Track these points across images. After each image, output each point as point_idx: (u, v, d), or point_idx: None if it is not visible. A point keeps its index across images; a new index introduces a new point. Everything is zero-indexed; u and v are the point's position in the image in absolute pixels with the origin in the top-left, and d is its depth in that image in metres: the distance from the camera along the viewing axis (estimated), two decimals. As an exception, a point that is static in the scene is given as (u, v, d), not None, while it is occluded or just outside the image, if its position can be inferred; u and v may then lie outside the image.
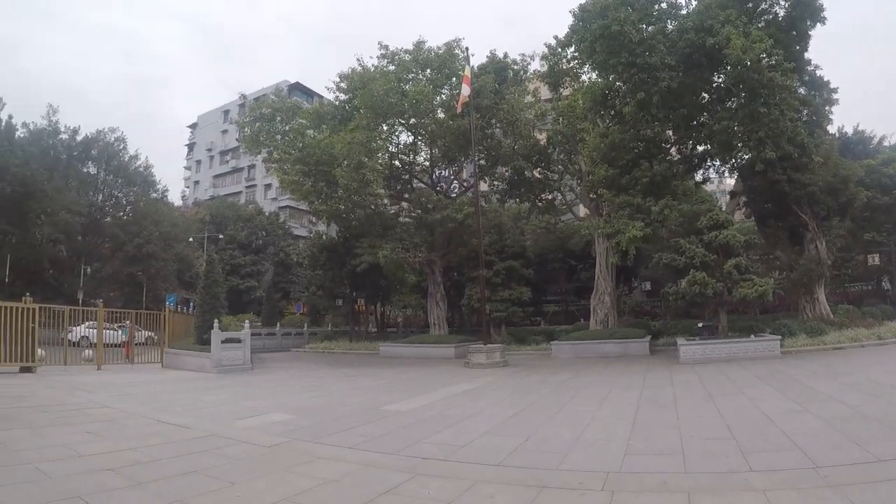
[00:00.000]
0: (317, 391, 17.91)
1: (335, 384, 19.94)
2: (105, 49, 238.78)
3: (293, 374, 24.67)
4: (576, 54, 28.74)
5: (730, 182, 51.44)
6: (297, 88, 76.09)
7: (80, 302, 42.43)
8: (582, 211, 39.20)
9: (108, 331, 27.32)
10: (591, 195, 31.62)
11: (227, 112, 74.48)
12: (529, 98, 36.34)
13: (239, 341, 26.11)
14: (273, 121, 36.35)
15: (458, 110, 28.68)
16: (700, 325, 25.95)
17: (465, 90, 27.26)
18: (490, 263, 34.65)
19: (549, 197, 38.77)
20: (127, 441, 9.52)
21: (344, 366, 28.12)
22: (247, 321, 31.38)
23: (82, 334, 29.01)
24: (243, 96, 36.30)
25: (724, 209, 33.58)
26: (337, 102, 37.24)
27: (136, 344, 28.94)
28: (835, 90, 27.47)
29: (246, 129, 37.02)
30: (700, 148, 31.18)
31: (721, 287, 23.34)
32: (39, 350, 22.38)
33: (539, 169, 36.52)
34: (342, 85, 36.09)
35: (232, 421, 11.96)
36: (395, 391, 17.19)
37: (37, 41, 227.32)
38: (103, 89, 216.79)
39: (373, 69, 34.74)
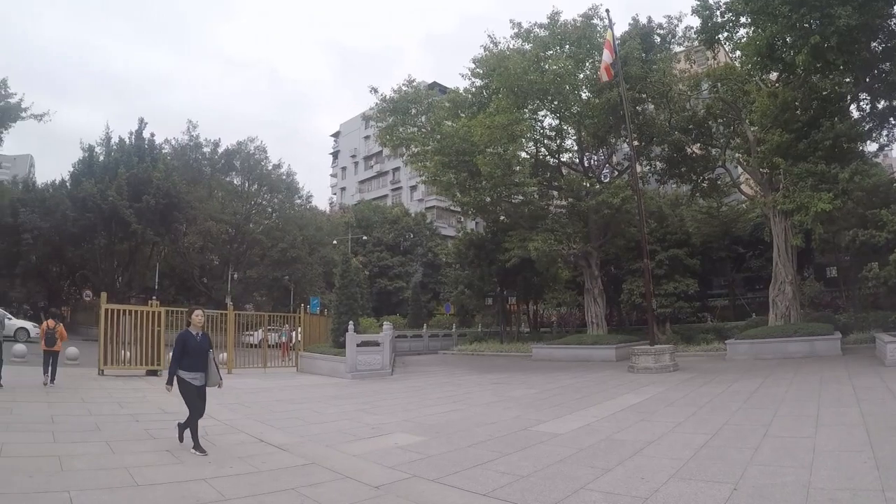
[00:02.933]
0: (455, 403, 15.52)
1: (478, 394, 17.54)
2: (250, 77, 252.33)
3: (434, 380, 22.66)
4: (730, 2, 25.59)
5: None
6: (434, 87, 73.23)
7: (228, 306, 42.52)
8: (746, 191, 35.68)
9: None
10: (763, 168, 28.57)
11: (367, 118, 74.55)
12: (680, 66, 33.71)
13: (377, 345, 24.50)
14: (408, 113, 35.07)
15: (604, 79, 25.65)
16: None
17: (608, 56, 24.51)
18: (652, 253, 31.77)
19: (712, 176, 35.57)
20: (203, 467, 8.15)
21: (491, 370, 26.04)
22: (386, 323, 29.52)
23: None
24: (374, 90, 34.76)
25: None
26: (473, 89, 35.29)
27: (290, 347, 28.72)
28: None
29: (381, 124, 35.99)
30: (881, 104, 27.37)
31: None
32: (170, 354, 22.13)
33: (699, 144, 33.59)
34: (477, 70, 34.12)
35: (344, 444, 10.01)
36: (549, 405, 14.53)
37: (184, 75, 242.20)
38: (251, 113, 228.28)
39: (507, 51, 32.80)
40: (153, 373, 20.67)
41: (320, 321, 32.42)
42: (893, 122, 28.08)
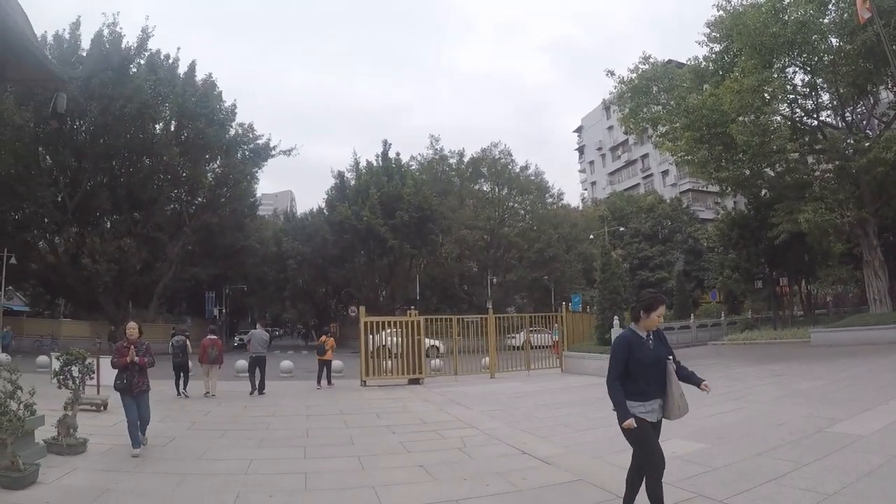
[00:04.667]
0: (736, 400, 13.85)
1: (759, 388, 15.92)
2: (485, 90, 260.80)
3: (708, 374, 19.53)
4: None
5: None
6: (670, 63, 69.80)
7: (490, 311, 43.37)
8: None
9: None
10: None
11: (608, 108, 73.37)
12: None
13: None
14: (649, 92, 33.54)
15: (861, 19, 22.97)
16: None
17: (860, -6, 21.82)
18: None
19: None
20: (457, 485, 7.57)
21: (768, 360, 24.00)
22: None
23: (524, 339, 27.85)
24: (610, 73, 33.69)
25: None
26: (713, 56, 33.03)
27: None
28: None
29: (622, 108, 34.88)
30: None
31: None
32: (435, 360, 23.85)
33: None
34: (714, 34, 32.07)
35: (614, 454, 8.53)
36: (842, 398, 12.89)
37: (421, 99, 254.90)
38: (491, 126, 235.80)
39: (741, 7, 30.45)
40: (415, 381, 21.22)
41: (583, 319, 31.34)
42: None
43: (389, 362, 21.43)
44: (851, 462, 7.47)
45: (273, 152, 50.61)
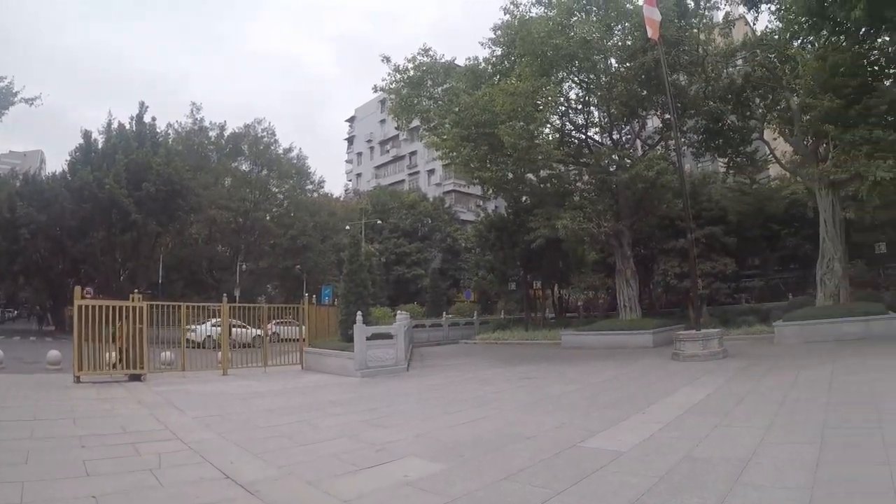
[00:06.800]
0: (483, 407, 12.92)
1: (509, 393, 15.13)
2: (267, 73, 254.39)
3: (455, 376, 20.43)
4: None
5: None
6: (453, 62, 71.39)
7: (237, 299, 41.24)
8: (774, 171, 34.62)
9: (239, 329, 24.82)
10: (807, 138, 27.63)
11: (383, 101, 73.37)
12: (718, 36, 32.35)
13: (390, 337, 22.40)
14: (423, 85, 33.59)
15: (654, 37, 23.77)
16: None
17: (652, 11, 22.86)
18: (686, 231, 30.38)
19: (749, 149, 34.20)
20: None
21: (520, 361, 24.15)
22: (399, 312, 27.73)
23: (207, 333, 25.07)
24: (386, 59, 33.12)
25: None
26: (494, 59, 33.73)
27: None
28: None
29: (394, 97, 34.36)
30: None
31: None
32: (167, 353, 20.89)
33: (735, 115, 32.26)
34: (498, 38, 32.67)
35: (336, 478, 7.45)
36: (596, 406, 12.27)
37: (203, 72, 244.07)
38: (273, 108, 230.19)
39: (529, 16, 31.43)
40: (136, 377, 18.53)
41: (329, 312, 30.28)
42: None
43: (110, 354, 18.57)
44: (613, 486, 6.65)
45: (15, 99, 44.48)
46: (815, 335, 22.53)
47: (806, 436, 8.29)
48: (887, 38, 23.75)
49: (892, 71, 25.72)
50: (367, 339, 21.37)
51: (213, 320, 24.69)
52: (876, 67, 25.43)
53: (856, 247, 32.58)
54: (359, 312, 21.86)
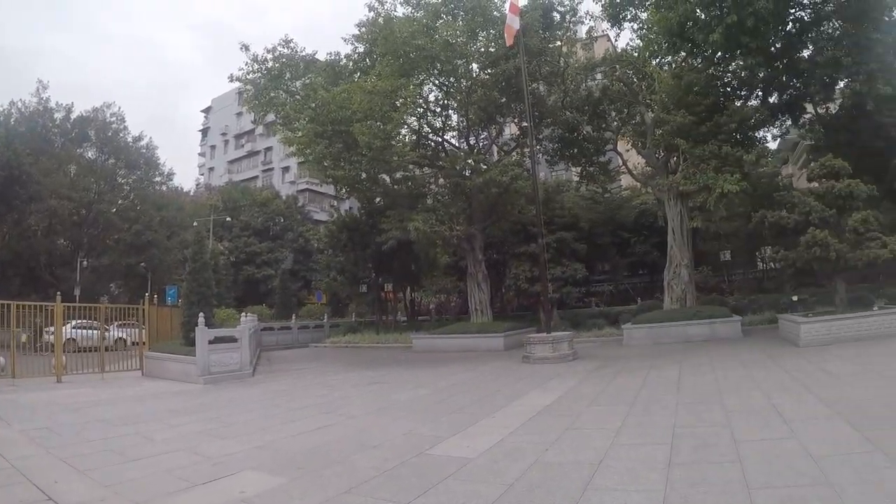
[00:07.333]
0: (329, 414, 12.64)
1: (357, 399, 14.84)
2: (123, 58, 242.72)
3: (302, 381, 19.93)
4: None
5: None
6: (314, 58, 70.45)
7: (78, 298, 38.79)
8: (626, 181, 36.01)
9: (82, 330, 23.32)
10: (659, 151, 28.98)
11: (241, 93, 70.96)
12: (580, 50, 33.79)
13: (233, 340, 21.53)
14: (281, 78, 32.74)
15: (509, 43, 24.37)
16: (795, 298, 23.22)
17: (514, 20, 23.31)
18: (538, 236, 30.91)
19: (603, 159, 35.53)
20: None
21: (370, 366, 24.00)
22: (245, 314, 26.74)
23: (68, 336, 23.42)
24: (245, 47, 31.97)
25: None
26: (355, 56, 33.50)
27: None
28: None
29: (250, 87, 33.38)
30: (785, 95, 28.16)
31: (845, 249, 19.37)
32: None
33: (591, 126, 33.38)
34: (363, 33, 32.24)
35: (170, 495, 7.01)
36: (445, 411, 12.14)
37: (56, 51, 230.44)
38: (123, 95, 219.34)
39: (395, 15, 31.30)
40: None
41: (172, 313, 28.93)
42: (784, 116, 29.15)
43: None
44: (460, 496, 6.45)
45: None
46: (663, 337, 23.61)
47: (657, 436, 8.42)
48: (741, 63, 25.29)
49: (742, 93, 27.70)
50: (211, 342, 20.47)
51: (75, 322, 23.47)
52: (728, 89, 27.17)
53: (702, 254, 34.77)
54: (201, 314, 20.89)
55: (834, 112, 28.59)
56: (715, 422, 8.98)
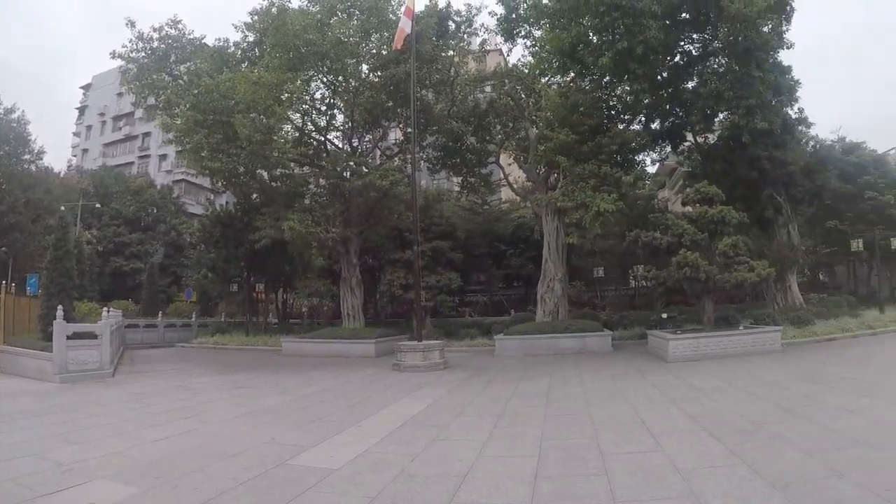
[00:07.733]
0: (189, 419, 12.11)
1: (220, 404, 14.30)
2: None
3: (165, 383, 18.94)
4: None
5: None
6: (203, 42, 68.56)
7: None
8: (505, 194, 36.51)
9: None
10: (540, 167, 29.42)
11: (125, 73, 68.06)
12: (472, 61, 34.14)
13: (94, 336, 20.40)
14: (166, 59, 31.57)
15: (397, 46, 24.23)
16: (664, 315, 24.67)
17: (407, 23, 23.13)
18: (414, 244, 30.86)
19: (485, 171, 35.94)
20: None
21: (236, 369, 23.41)
22: (108, 309, 25.34)
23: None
24: (131, 23, 30.49)
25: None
26: (245, 44, 32.57)
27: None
28: (798, 82, 26.71)
29: (132, 66, 32.01)
30: (667, 123, 29.67)
31: (714, 270, 20.21)
32: None
33: (476, 138, 33.59)
34: (254, 22, 31.31)
35: None
36: (310, 418, 11.95)
37: None
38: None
39: (289, 7, 30.65)
40: None
41: (32, 305, 26.98)
42: (664, 142, 30.52)
43: None
44: None
45: None
46: (534, 349, 23.94)
47: (525, 448, 8.46)
48: (628, 88, 26.19)
49: (626, 116, 28.67)
50: (69, 338, 19.48)
51: None
52: (613, 111, 28.23)
53: (576, 270, 35.83)
54: (60, 307, 19.87)
55: (712, 142, 29.70)
56: (583, 434, 9.09)
